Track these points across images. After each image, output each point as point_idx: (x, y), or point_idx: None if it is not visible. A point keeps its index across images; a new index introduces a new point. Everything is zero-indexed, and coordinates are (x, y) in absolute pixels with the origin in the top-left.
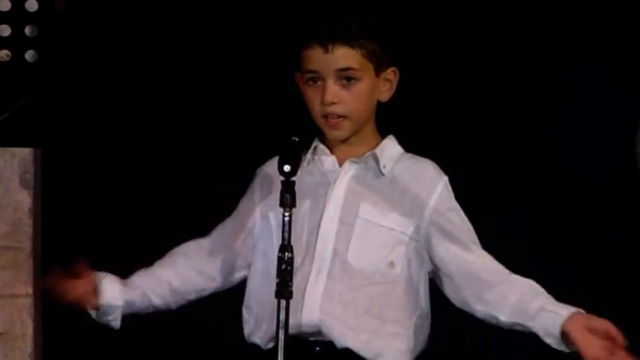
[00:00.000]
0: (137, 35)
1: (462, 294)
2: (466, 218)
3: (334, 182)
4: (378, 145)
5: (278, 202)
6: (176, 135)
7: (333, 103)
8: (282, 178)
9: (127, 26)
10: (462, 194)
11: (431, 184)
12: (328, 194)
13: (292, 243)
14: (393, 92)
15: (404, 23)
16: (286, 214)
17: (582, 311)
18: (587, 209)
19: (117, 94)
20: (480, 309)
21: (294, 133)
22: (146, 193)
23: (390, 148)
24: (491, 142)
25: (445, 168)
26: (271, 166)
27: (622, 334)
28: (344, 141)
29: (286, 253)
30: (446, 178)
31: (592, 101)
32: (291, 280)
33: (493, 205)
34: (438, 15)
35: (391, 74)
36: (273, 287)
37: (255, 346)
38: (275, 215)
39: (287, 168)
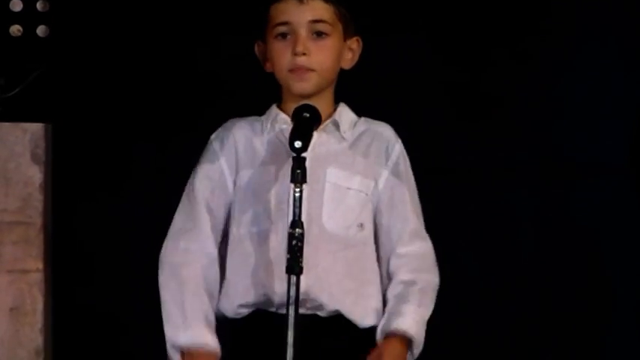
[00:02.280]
0: (146, 8)
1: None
2: (415, 189)
3: None
4: (334, 111)
5: (244, 162)
6: (186, 106)
7: (304, 54)
8: (253, 141)
9: (139, 2)
10: (458, 169)
11: (389, 144)
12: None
13: (259, 211)
14: (355, 61)
15: None
16: (297, 189)
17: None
18: (594, 185)
19: (127, 67)
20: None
21: (303, 109)
22: (156, 166)
23: (347, 113)
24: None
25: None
26: (228, 128)
27: None
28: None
29: (296, 229)
30: (400, 140)
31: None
32: (301, 255)
33: (494, 179)
34: None
35: (355, 43)
36: (245, 250)
37: (220, 315)
38: (240, 177)
39: (298, 144)
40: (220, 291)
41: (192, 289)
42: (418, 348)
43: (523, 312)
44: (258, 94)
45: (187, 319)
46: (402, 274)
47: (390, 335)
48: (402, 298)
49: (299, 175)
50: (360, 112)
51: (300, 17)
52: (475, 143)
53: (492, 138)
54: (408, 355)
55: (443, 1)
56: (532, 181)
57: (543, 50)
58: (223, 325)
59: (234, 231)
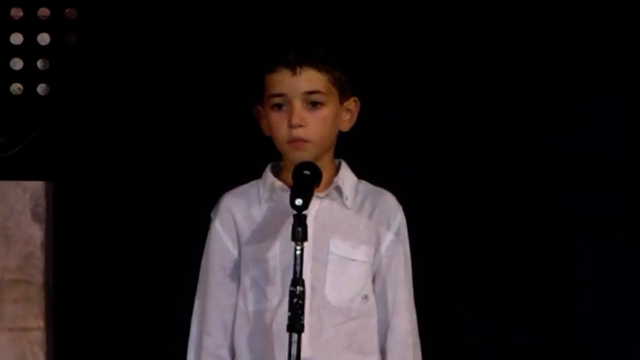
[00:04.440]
0: (148, 67)
1: None
2: (409, 258)
3: None
4: (336, 174)
5: (245, 233)
6: (187, 166)
7: (300, 126)
8: (253, 212)
9: (138, 58)
10: (458, 224)
11: (391, 213)
12: None
13: (266, 285)
14: (353, 122)
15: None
16: (298, 247)
17: None
18: (602, 236)
19: (128, 126)
20: None
21: (305, 167)
22: (158, 225)
23: (348, 177)
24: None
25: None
26: (231, 202)
27: None
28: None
29: (298, 287)
30: (401, 208)
31: (603, 128)
32: (302, 313)
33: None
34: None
35: (352, 104)
36: (250, 322)
37: None
38: (241, 247)
39: (299, 202)
40: None
41: None
42: None
43: None
44: (256, 151)
45: None
46: (392, 356)
47: None
48: None
49: (299, 233)
50: (359, 166)
51: (294, 89)
52: (475, 200)
53: (493, 195)
54: None
55: (442, 61)
56: (533, 237)
57: (542, 107)
58: None
59: (241, 305)
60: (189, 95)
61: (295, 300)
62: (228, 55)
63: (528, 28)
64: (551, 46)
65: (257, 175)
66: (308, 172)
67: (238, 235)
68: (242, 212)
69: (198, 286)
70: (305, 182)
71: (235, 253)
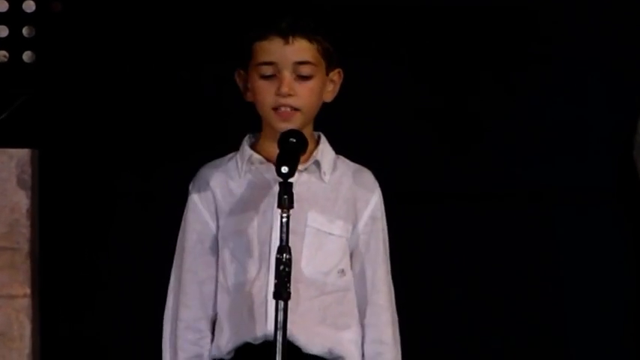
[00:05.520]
0: (133, 35)
1: None
2: (387, 235)
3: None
4: (316, 147)
5: (223, 204)
6: (171, 134)
7: (289, 95)
8: (230, 183)
9: (124, 26)
10: (442, 194)
11: (369, 190)
12: (274, 204)
13: (244, 258)
14: (336, 93)
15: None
16: (284, 215)
17: None
18: (582, 208)
19: (113, 94)
20: None
21: (291, 135)
22: (142, 193)
23: (328, 152)
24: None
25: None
26: (207, 174)
27: None
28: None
29: (284, 254)
30: (378, 185)
31: (587, 100)
32: (289, 281)
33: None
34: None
35: (336, 75)
36: (230, 295)
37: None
38: (219, 218)
39: (285, 169)
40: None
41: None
42: None
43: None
44: (239, 120)
45: None
46: (372, 333)
47: None
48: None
49: (286, 201)
50: (340, 138)
51: (286, 58)
52: (456, 169)
53: (477, 163)
54: None
55: (426, 28)
56: (517, 205)
57: (529, 76)
58: None
59: (221, 279)
60: (173, 62)
61: (282, 267)
62: (212, 20)
63: None
64: (539, 17)
65: (240, 143)
66: (294, 140)
67: (217, 208)
68: (220, 185)
69: (175, 259)
70: (291, 150)
71: (213, 226)
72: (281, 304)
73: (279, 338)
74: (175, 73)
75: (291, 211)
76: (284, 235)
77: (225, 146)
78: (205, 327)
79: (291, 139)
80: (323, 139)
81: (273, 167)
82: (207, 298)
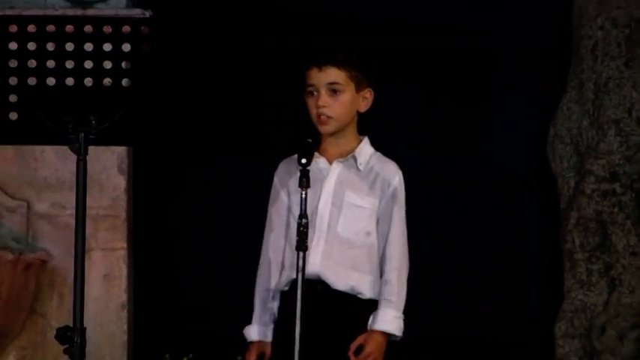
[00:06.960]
0: (208, 69)
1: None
2: (404, 208)
3: (327, 177)
4: (357, 146)
5: (292, 186)
6: (232, 138)
7: (324, 107)
8: (298, 169)
9: (199, 61)
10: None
11: (392, 176)
12: (323, 185)
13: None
14: (369, 106)
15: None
16: (303, 192)
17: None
18: (504, 194)
19: (188, 109)
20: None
21: (308, 136)
22: (215, 181)
23: (365, 149)
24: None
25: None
26: (283, 167)
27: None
28: (332, 144)
29: (303, 220)
30: (400, 172)
31: (515, 115)
32: (307, 238)
33: (439, 187)
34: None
35: (368, 93)
36: (288, 244)
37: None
38: (290, 195)
39: (304, 161)
40: (275, 274)
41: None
42: (399, 331)
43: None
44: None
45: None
46: (383, 275)
47: (374, 330)
48: (386, 302)
49: (305, 182)
50: (373, 137)
51: (320, 81)
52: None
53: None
54: (394, 336)
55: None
56: (465, 188)
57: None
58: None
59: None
60: (239, 91)
61: (302, 229)
62: (283, 61)
63: None
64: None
65: (277, 145)
66: (310, 140)
67: (288, 190)
68: (290, 173)
69: (266, 225)
70: (308, 146)
71: (286, 201)
72: (301, 254)
73: (300, 278)
74: (240, 97)
75: (334, 191)
76: (303, 206)
77: (265, 148)
78: (275, 268)
79: (308, 139)
80: (366, 140)
81: (323, 160)
82: (280, 249)
